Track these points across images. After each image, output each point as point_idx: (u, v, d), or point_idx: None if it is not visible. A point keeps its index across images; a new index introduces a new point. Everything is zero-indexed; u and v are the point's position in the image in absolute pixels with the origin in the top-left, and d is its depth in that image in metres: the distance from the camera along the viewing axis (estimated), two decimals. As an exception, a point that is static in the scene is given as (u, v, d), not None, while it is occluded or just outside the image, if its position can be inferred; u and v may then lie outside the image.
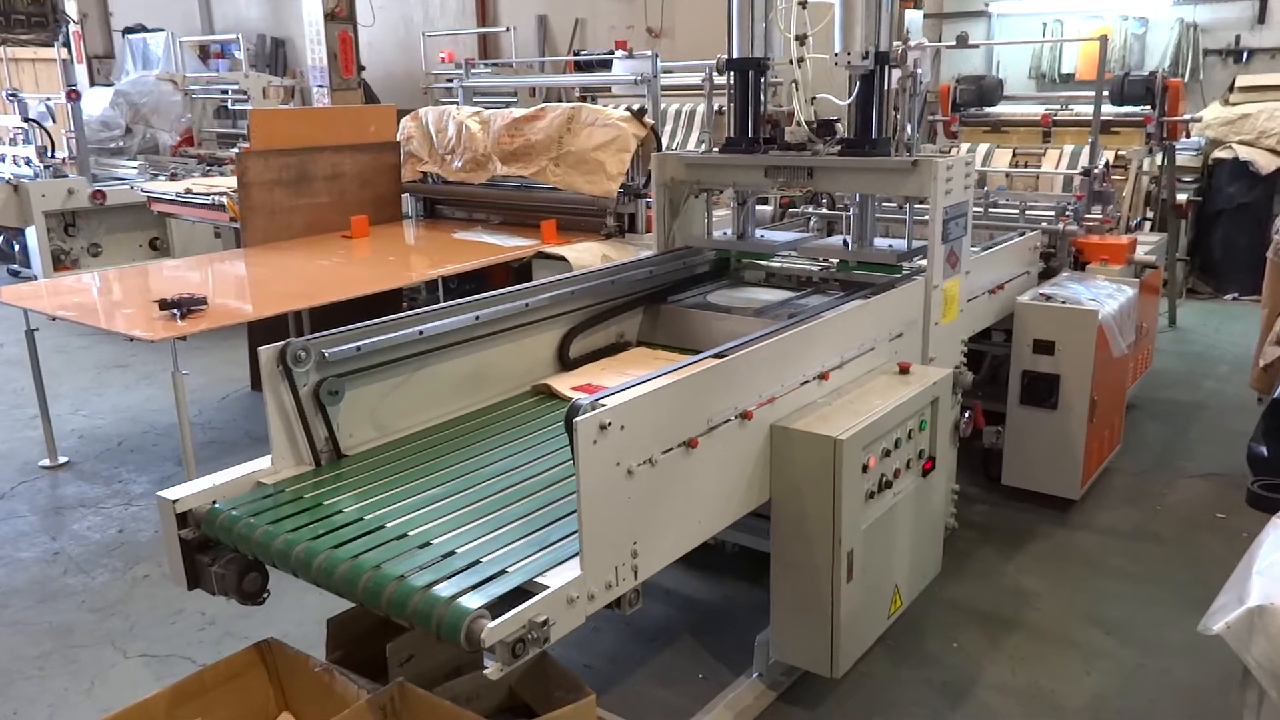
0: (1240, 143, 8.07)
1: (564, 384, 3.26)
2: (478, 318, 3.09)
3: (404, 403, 2.91)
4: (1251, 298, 8.24)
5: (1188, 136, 7.05)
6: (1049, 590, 3.66)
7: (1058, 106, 6.47)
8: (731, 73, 3.82)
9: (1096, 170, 4.84)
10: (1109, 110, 6.06)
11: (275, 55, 14.18)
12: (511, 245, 5.43)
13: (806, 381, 2.85)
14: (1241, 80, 8.37)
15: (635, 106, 5.71)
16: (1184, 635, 3.20)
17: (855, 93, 3.56)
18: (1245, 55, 8.51)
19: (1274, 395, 3.04)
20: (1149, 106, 6.10)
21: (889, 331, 3.26)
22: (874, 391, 2.97)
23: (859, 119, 3.58)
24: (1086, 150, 5.38)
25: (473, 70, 8.44)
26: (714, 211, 4.23)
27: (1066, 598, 3.61)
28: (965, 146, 6.31)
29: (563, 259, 5.00)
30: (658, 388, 2.30)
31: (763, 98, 3.86)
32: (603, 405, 2.10)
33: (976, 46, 6.70)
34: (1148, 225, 6.14)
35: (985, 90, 6.60)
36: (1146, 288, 4.82)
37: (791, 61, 3.59)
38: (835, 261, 3.89)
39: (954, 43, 5.42)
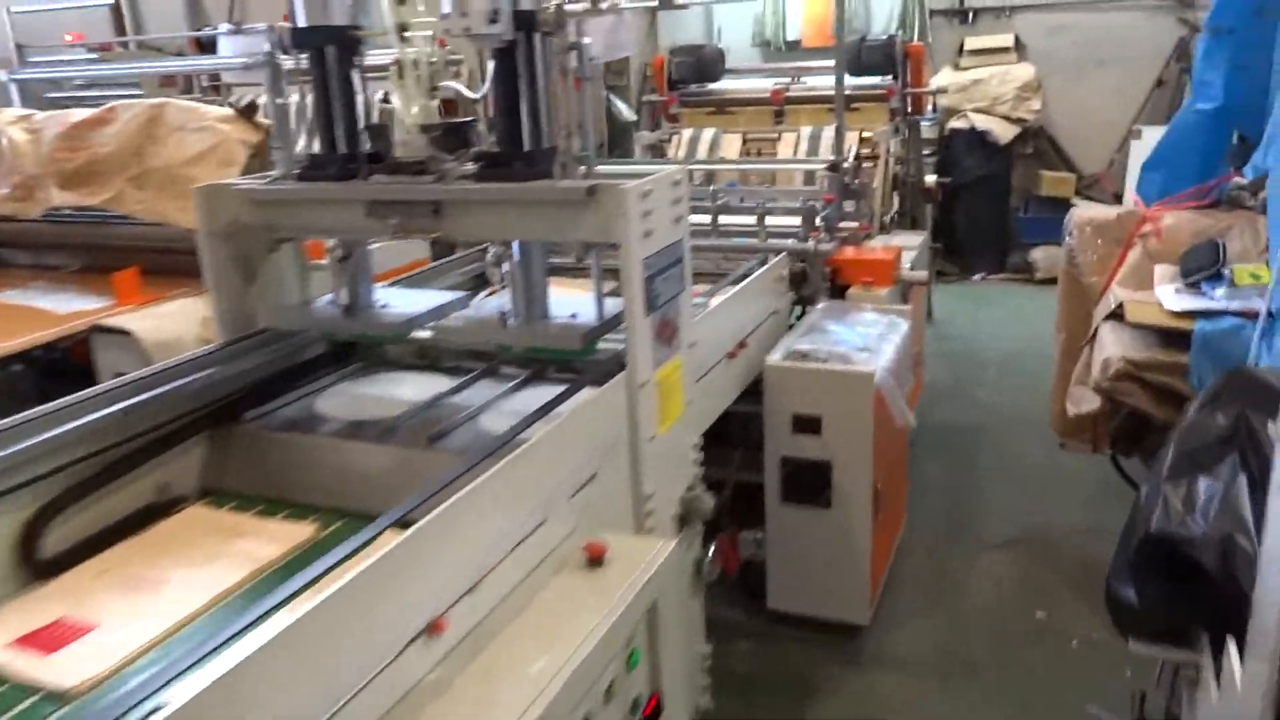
0: (975, 110, 7.47)
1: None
2: None
3: None
4: (1000, 276, 7.73)
5: (933, 110, 6.28)
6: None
7: (788, 80, 5.44)
8: (302, 51, 2.35)
9: (847, 163, 3.76)
10: (846, 82, 5.07)
11: None
12: (68, 311, 3.67)
13: (411, 641, 1.47)
14: (970, 43, 7.79)
15: (244, 100, 4.06)
16: None
17: (490, 78, 2.19)
18: (971, 15, 7.94)
19: (1150, 529, 2.01)
20: (890, 76, 5.17)
21: (571, 481, 1.93)
22: (534, 633, 1.62)
23: (502, 121, 2.22)
24: (827, 132, 4.34)
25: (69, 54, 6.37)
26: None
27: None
28: (688, 132, 5.15)
29: (126, 333, 3.34)
30: None
31: (361, 92, 2.41)
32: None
33: (685, 7, 5.50)
34: (898, 218, 5.23)
35: (705, 63, 5.46)
36: (916, 307, 3.83)
37: (393, 31, 2.19)
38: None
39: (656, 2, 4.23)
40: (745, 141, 5.04)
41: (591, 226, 2.15)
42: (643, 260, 2.11)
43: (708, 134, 5.08)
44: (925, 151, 7.15)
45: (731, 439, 3.06)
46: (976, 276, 7.70)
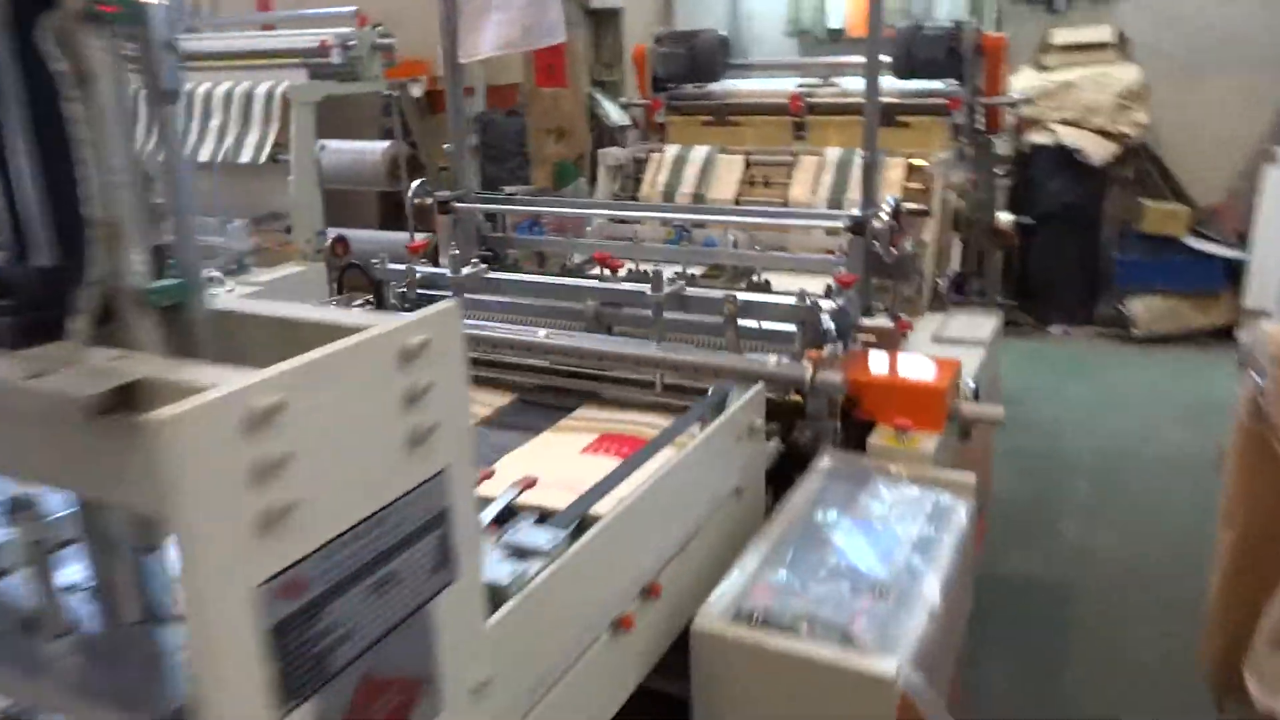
0: (1062, 123, 5.94)
1: None
2: None
3: None
4: (1087, 331, 6.20)
5: (1018, 130, 4.81)
6: None
7: (816, 82, 4.01)
8: None
9: (880, 221, 2.33)
10: (893, 88, 3.63)
11: None
12: None
13: None
14: (1058, 36, 6.24)
15: None
16: None
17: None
18: (1060, 0, 6.39)
19: None
20: (954, 80, 3.71)
21: None
22: None
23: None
24: (858, 164, 2.92)
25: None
26: None
27: None
28: (671, 150, 3.75)
29: None
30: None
31: None
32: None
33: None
34: (960, 281, 3.77)
35: (700, 55, 4.03)
36: (984, 464, 2.41)
37: None
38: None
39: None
40: (749, 166, 3.63)
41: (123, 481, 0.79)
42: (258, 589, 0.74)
43: (699, 153, 3.68)
44: (999, 171, 5.65)
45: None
46: (1056, 329, 6.18)
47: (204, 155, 4.34)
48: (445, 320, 1.00)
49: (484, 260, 2.93)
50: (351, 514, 0.90)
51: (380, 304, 2.53)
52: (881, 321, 2.27)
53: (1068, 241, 6.06)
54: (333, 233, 3.89)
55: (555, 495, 1.65)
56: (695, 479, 1.71)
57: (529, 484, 1.68)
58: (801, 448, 2.11)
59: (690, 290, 2.25)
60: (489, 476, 1.78)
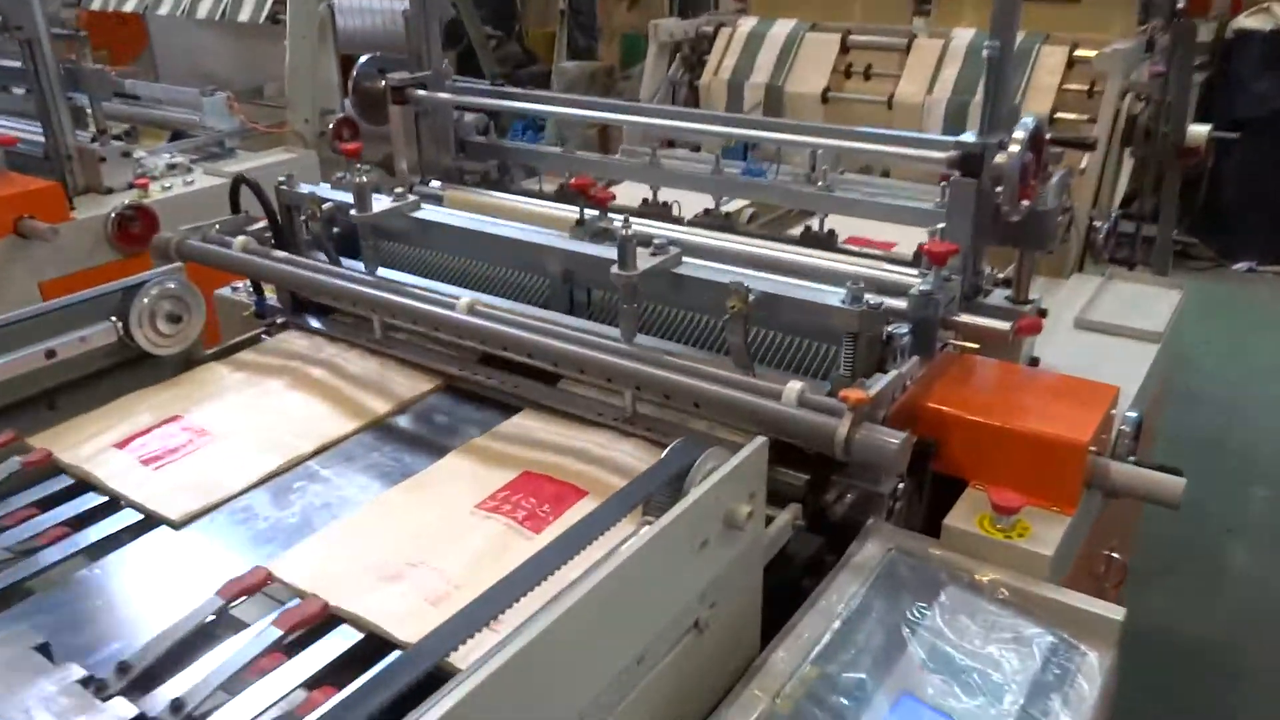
0: (1284, 2, 4.64)
1: None
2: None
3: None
4: (1275, 268, 5.03)
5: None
6: None
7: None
8: None
9: (1006, 153, 1.44)
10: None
11: None
12: None
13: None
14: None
15: None
16: None
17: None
18: None
19: None
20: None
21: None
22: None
23: None
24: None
25: None
26: None
27: None
28: (746, 24, 2.85)
29: None
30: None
31: None
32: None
33: None
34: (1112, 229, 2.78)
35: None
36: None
37: None
38: None
39: None
40: (845, 50, 2.70)
41: None
42: None
43: (781, 29, 2.77)
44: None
45: None
46: (1241, 266, 5.02)
47: (202, 11, 3.66)
48: None
49: (477, 175, 2.19)
50: None
51: (279, 239, 1.82)
52: (992, 321, 1.42)
53: (1269, 159, 4.83)
54: (343, 113, 3.20)
55: (402, 597, 1.00)
56: (622, 611, 0.97)
57: (305, 623, 0.97)
58: (835, 521, 1.33)
59: (686, 264, 1.44)
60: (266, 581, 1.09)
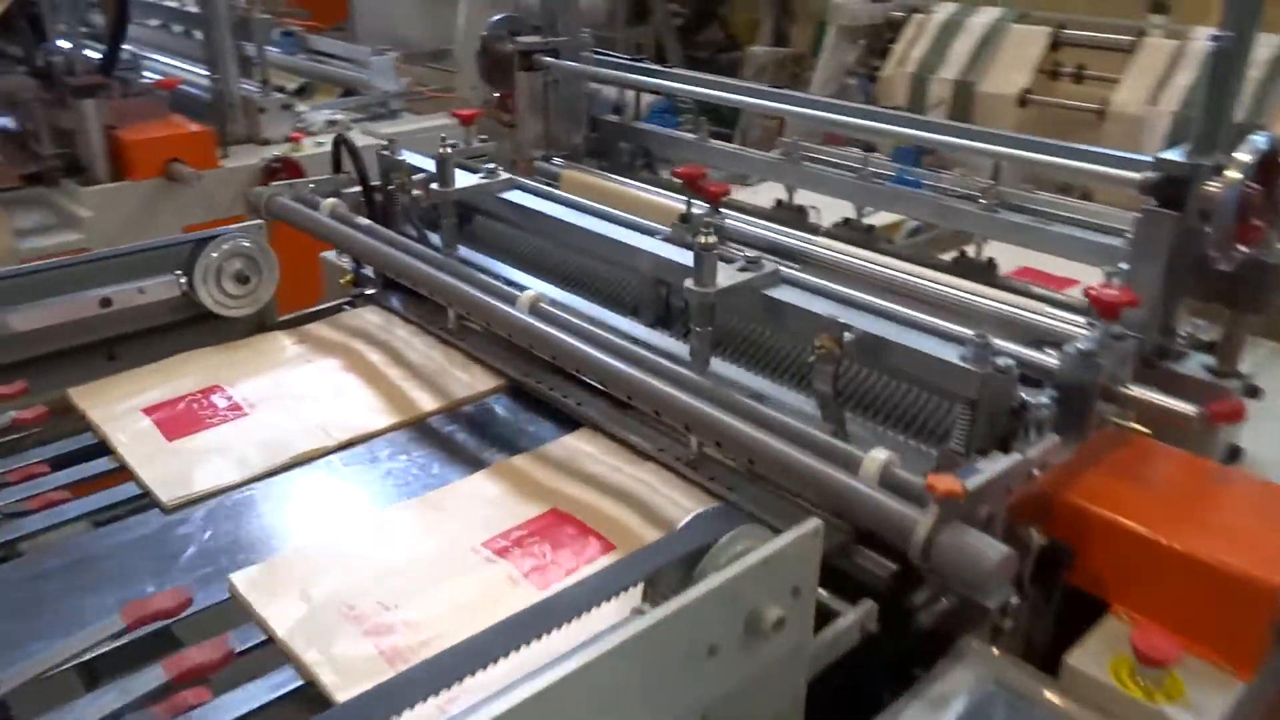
0: None
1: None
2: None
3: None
4: None
5: None
6: None
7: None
8: None
9: (1220, 180, 1.10)
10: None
11: None
12: None
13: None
14: None
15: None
16: None
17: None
18: None
19: None
20: None
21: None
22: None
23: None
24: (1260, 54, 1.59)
25: None
26: None
27: None
28: (942, 12, 2.50)
29: None
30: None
31: None
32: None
33: None
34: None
35: None
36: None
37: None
38: None
39: None
40: (1055, 46, 2.31)
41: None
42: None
43: (981, 19, 2.41)
44: None
45: None
46: None
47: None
48: None
49: (592, 154, 2.00)
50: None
51: (371, 206, 1.69)
52: (1173, 400, 1.08)
53: None
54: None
55: (357, 644, 0.91)
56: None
57: (195, 673, 0.80)
58: (922, 625, 1.04)
59: (785, 289, 1.18)
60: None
